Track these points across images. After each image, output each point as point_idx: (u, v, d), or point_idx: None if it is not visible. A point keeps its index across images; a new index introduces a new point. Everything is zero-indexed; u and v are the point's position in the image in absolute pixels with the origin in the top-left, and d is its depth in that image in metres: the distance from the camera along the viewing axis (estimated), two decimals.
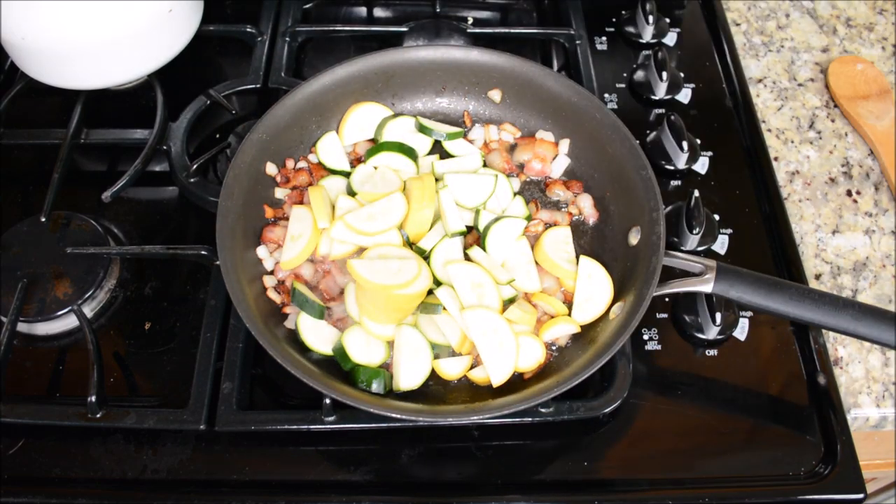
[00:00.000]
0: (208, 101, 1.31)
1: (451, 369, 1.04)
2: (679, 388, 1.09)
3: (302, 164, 1.22)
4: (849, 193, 1.33)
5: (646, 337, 1.13)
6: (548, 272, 1.12)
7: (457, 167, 1.21)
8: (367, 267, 1.03)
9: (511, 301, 1.09)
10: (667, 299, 1.16)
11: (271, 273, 1.11)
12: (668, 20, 1.51)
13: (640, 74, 1.42)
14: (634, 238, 1.10)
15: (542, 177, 1.24)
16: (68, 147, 1.23)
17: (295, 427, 1.01)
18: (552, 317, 1.09)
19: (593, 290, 1.09)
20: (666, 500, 1.00)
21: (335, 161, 1.21)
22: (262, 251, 1.12)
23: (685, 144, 1.27)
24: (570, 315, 1.09)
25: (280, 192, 1.18)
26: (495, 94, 1.28)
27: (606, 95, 1.40)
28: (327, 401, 0.99)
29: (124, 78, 1.26)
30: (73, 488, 0.99)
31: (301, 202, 1.16)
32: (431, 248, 1.10)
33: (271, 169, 1.18)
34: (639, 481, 1.01)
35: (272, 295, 1.09)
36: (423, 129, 1.24)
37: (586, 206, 1.19)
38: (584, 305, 1.08)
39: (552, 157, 1.24)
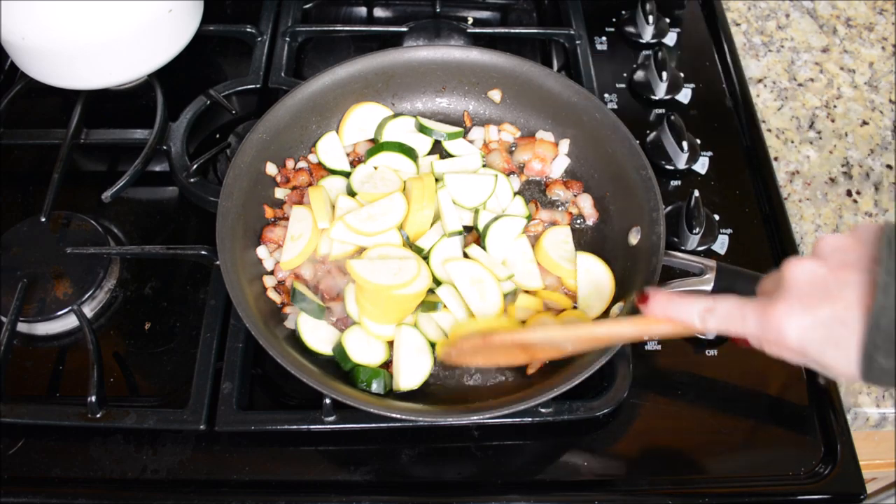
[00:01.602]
0: (208, 101, 1.31)
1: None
2: (679, 388, 1.09)
3: (302, 164, 1.22)
4: (849, 193, 1.33)
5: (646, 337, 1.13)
6: (549, 272, 1.12)
7: (457, 167, 1.21)
8: (367, 267, 1.03)
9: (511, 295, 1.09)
10: None
11: (271, 273, 1.11)
12: (668, 20, 1.51)
13: (640, 74, 1.42)
14: (634, 238, 1.10)
15: (542, 177, 1.24)
16: (68, 147, 1.23)
17: (295, 427, 1.01)
18: (558, 311, 1.08)
19: (595, 282, 1.09)
20: (666, 500, 1.00)
21: (335, 161, 1.21)
22: (262, 251, 1.12)
23: (685, 144, 1.27)
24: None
25: (280, 192, 1.18)
26: (495, 94, 1.28)
27: (606, 95, 1.40)
28: (327, 401, 0.99)
29: (124, 78, 1.26)
30: (73, 488, 0.98)
31: (301, 202, 1.16)
32: (430, 248, 1.10)
33: (271, 169, 1.18)
34: (639, 481, 1.01)
35: (272, 295, 1.09)
36: (423, 129, 1.24)
37: (586, 206, 1.19)
38: (588, 302, 1.09)
39: (552, 157, 1.24)
